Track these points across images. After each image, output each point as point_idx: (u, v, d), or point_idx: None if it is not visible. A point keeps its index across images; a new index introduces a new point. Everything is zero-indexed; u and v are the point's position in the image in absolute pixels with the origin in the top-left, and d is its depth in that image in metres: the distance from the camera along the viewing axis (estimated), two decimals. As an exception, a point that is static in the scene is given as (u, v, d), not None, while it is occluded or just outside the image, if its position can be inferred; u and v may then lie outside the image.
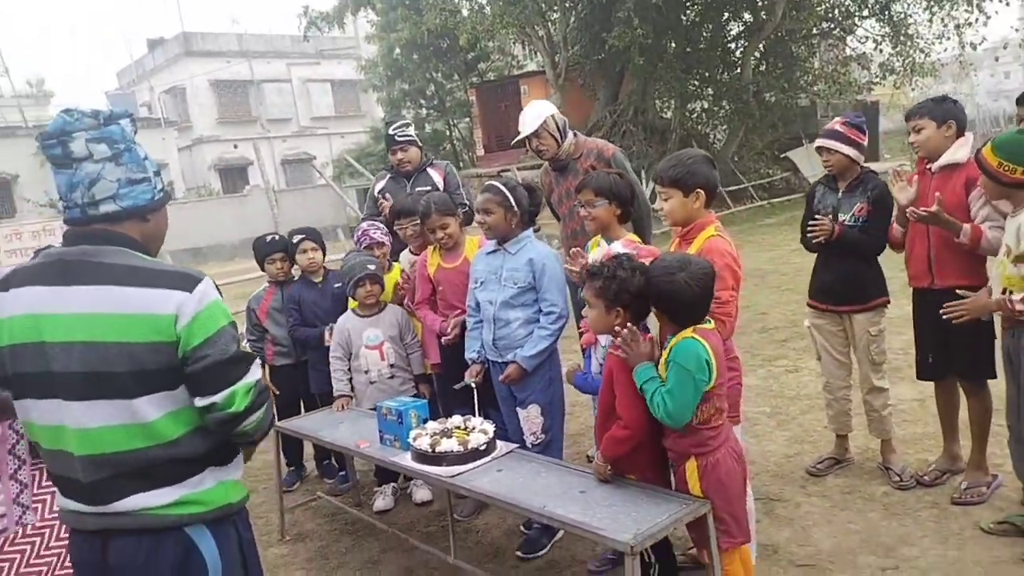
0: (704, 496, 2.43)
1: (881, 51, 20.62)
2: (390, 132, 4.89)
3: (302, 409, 4.65)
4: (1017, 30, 20.14)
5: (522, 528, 3.70)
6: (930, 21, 19.52)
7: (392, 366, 4.12)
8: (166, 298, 1.69)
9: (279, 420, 4.77)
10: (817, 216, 3.72)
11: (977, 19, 18.38)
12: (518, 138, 4.16)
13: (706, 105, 20.19)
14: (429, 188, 4.64)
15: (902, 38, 19.76)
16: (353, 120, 35.18)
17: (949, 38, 19.71)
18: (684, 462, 2.46)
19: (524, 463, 2.99)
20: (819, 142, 3.72)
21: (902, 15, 19.89)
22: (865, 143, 3.68)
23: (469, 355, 3.65)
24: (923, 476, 3.66)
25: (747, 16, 19.28)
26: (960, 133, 3.39)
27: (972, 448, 3.48)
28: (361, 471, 4.61)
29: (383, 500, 4.21)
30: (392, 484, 4.29)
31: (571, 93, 17.26)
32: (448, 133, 26.85)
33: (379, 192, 4.91)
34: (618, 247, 3.05)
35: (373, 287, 4.08)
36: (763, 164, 20.54)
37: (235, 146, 32.44)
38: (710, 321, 2.44)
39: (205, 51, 32.35)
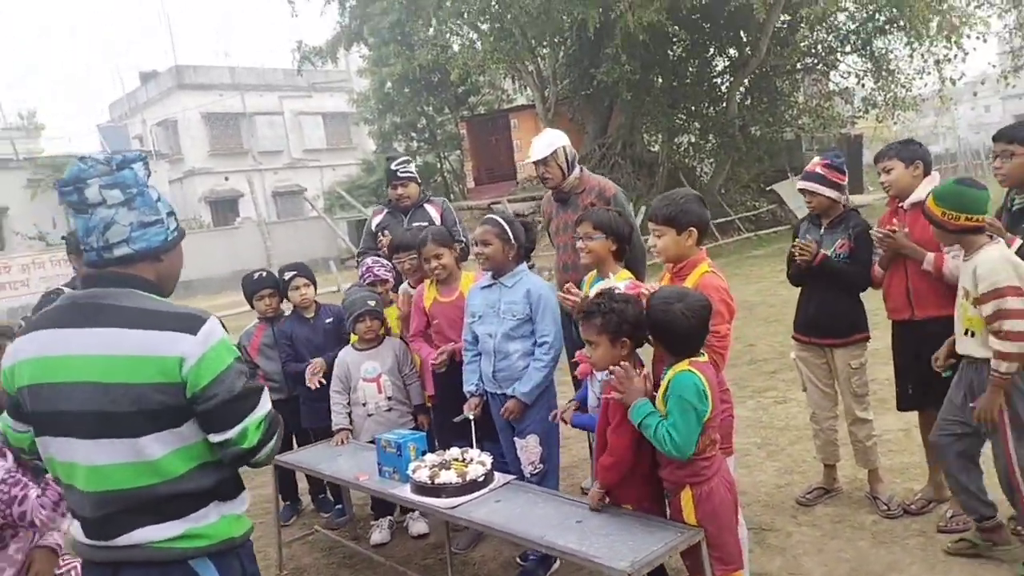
0: (698, 525, 2.50)
1: (863, 86, 21.07)
2: (392, 167, 4.99)
3: (294, 444, 4.69)
4: (995, 65, 20.65)
5: (518, 560, 3.75)
6: (911, 56, 19.98)
7: (390, 398, 4.18)
8: (171, 341, 1.76)
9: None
10: (802, 240, 3.85)
11: (956, 55, 18.81)
12: (527, 161, 4.29)
13: (693, 139, 20.52)
14: (426, 224, 4.74)
15: (883, 73, 20.20)
16: (344, 152, 35.47)
17: (929, 73, 20.17)
18: (679, 492, 2.54)
19: (521, 494, 3.06)
20: (800, 185, 3.86)
21: (883, 51, 20.35)
22: (845, 182, 3.83)
23: (468, 388, 3.73)
24: (910, 505, 3.75)
25: (732, 52, 19.69)
26: (927, 172, 3.56)
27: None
28: (357, 504, 4.65)
29: (380, 533, 4.24)
30: (389, 517, 4.33)
31: (560, 127, 17.33)
32: (439, 166, 27.13)
33: (377, 227, 5.01)
34: (614, 282, 3.15)
35: (373, 322, 4.16)
36: (749, 197, 20.84)
37: (226, 178, 32.60)
38: (703, 354, 2.54)
39: (197, 84, 32.62)
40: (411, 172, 4.98)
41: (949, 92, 20.29)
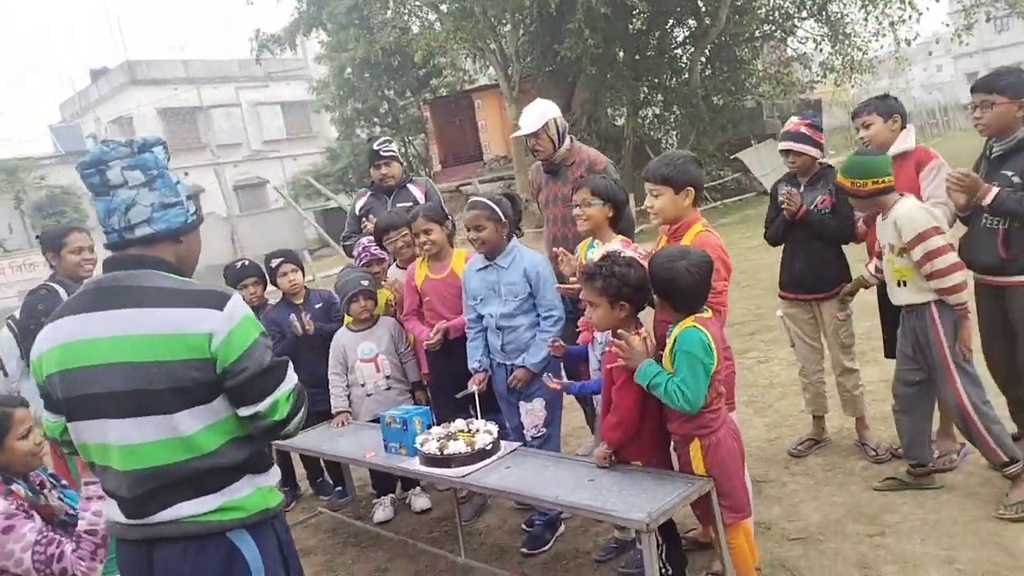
0: (708, 474, 2.60)
1: (821, 50, 21.34)
2: (374, 147, 4.97)
3: None
4: (948, 24, 21.03)
5: (524, 527, 3.83)
6: (866, 20, 20.28)
7: (388, 377, 4.23)
8: (200, 318, 1.80)
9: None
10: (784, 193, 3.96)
11: (911, 16, 19.12)
12: (517, 134, 4.26)
13: (657, 111, 20.63)
14: (410, 204, 4.76)
15: (840, 37, 20.46)
16: (305, 142, 35.04)
17: (884, 35, 20.52)
18: (688, 444, 2.63)
19: (530, 459, 3.13)
20: (785, 145, 3.94)
21: (839, 15, 20.61)
22: (824, 141, 3.94)
23: (472, 364, 3.77)
24: (897, 449, 3.89)
25: (692, 22, 19.78)
26: (903, 125, 3.67)
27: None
28: (357, 485, 4.69)
29: (383, 511, 4.30)
30: (391, 495, 4.38)
31: (525, 104, 17.46)
32: (404, 150, 26.93)
33: (361, 209, 5.00)
34: (616, 245, 3.22)
35: (367, 302, 4.19)
36: (715, 166, 21.02)
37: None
38: (707, 311, 2.62)
39: (151, 79, 31.93)
40: (393, 151, 4.97)
41: (904, 53, 20.64)
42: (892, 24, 19.96)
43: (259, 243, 23.21)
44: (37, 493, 2.50)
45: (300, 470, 4.94)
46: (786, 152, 3.95)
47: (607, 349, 2.73)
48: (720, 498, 2.60)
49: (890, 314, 3.84)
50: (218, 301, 1.83)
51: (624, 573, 3.23)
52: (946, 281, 3.15)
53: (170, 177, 1.93)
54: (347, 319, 4.33)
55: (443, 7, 16.67)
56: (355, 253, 4.59)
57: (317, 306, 4.59)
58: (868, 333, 5.40)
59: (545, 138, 4.09)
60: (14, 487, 2.39)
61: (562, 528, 3.73)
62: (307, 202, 24.75)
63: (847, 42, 20.68)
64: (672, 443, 2.75)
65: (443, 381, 4.02)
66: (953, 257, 3.17)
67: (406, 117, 26.23)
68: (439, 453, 3.14)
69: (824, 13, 20.37)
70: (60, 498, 2.61)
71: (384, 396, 4.20)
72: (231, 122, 33.82)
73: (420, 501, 4.33)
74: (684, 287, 2.54)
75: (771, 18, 20.70)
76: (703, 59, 19.89)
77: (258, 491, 1.93)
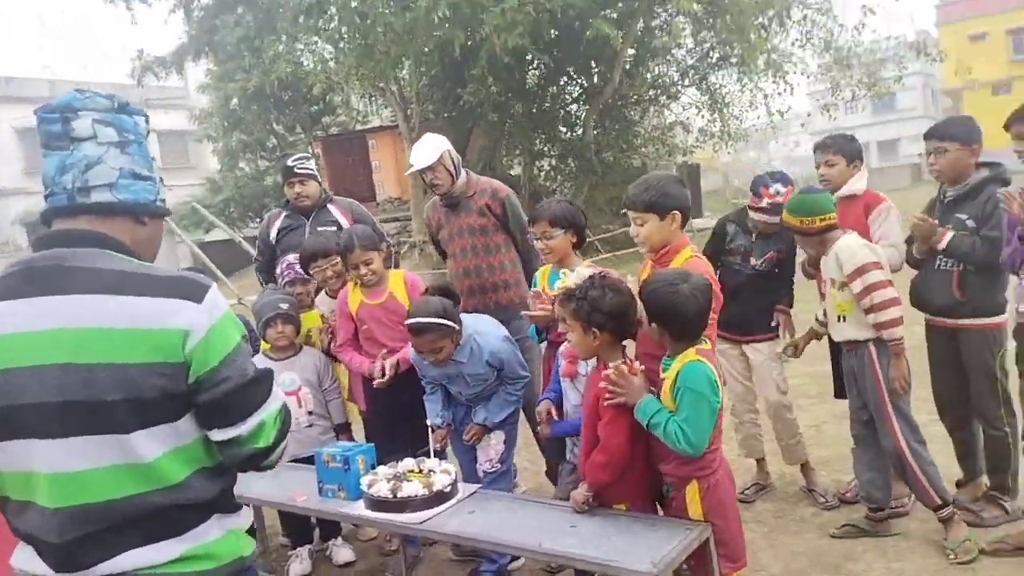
0: (705, 519, 2.38)
1: (702, 116, 22.59)
2: (288, 164, 4.53)
3: None
4: (818, 100, 22.87)
5: (467, 579, 3.48)
6: (741, 91, 21.72)
7: (311, 413, 3.79)
8: (169, 310, 1.41)
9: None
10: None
11: (784, 89, 20.59)
12: (412, 170, 4.03)
13: (553, 163, 20.99)
14: (333, 227, 4.39)
15: (719, 105, 21.72)
16: (183, 172, 33.18)
17: (757, 107, 22.04)
18: (684, 486, 2.41)
19: (494, 502, 2.82)
20: (775, 220, 3.77)
21: (717, 85, 21.94)
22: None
23: (434, 420, 3.43)
24: (844, 494, 3.85)
25: (584, 81, 20.43)
26: (859, 169, 3.69)
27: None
28: (267, 534, 4.15)
29: (300, 564, 3.81)
30: (307, 546, 3.90)
31: (424, 148, 17.30)
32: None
33: (278, 232, 4.57)
34: (584, 272, 3.00)
35: (285, 327, 3.76)
36: (605, 219, 21.56)
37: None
38: (707, 342, 2.43)
39: (11, 97, 29.52)
40: (310, 169, 4.54)
41: (778, 124, 22.17)
42: (766, 97, 21.55)
43: (126, 276, 21.56)
44: None
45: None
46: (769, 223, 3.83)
47: (603, 386, 2.45)
48: (717, 546, 2.38)
49: (839, 354, 3.83)
50: (195, 291, 1.45)
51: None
52: (883, 315, 3.16)
53: (147, 149, 1.56)
54: (264, 346, 3.88)
55: (342, 45, 16.32)
56: (279, 270, 4.15)
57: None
58: (807, 373, 5.50)
59: (442, 170, 3.92)
60: None
61: (511, 579, 3.41)
62: (185, 234, 23.23)
63: (726, 110, 22.01)
64: (664, 485, 2.51)
65: (382, 418, 3.64)
66: (892, 292, 3.19)
67: (279, 158, 25.30)
68: (392, 496, 2.76)
69: (704, 83, 21.65)
70: None
71: (305, 435, 3.74)
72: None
73: (343, 553, 3.87)
74: (688, 313, 2.34)
75: (658, 83, 21.76)
76: (595, 117, 20.53)
77: (229, 535, 1.53)
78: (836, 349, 3.80)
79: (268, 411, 1.52)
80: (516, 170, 20.41)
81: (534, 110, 19.67)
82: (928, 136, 3.42)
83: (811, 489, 3.94)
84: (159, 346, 1.38)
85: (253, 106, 22.88)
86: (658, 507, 2.61)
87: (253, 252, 5.19)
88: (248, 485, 3.35)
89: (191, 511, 1.46)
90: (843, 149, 3.65)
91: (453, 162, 3.94)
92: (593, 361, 2.72)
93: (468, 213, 3.99)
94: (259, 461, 1.54)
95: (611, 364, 2.45)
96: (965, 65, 30.07)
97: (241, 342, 1.50)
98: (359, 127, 25.29)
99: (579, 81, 20.81)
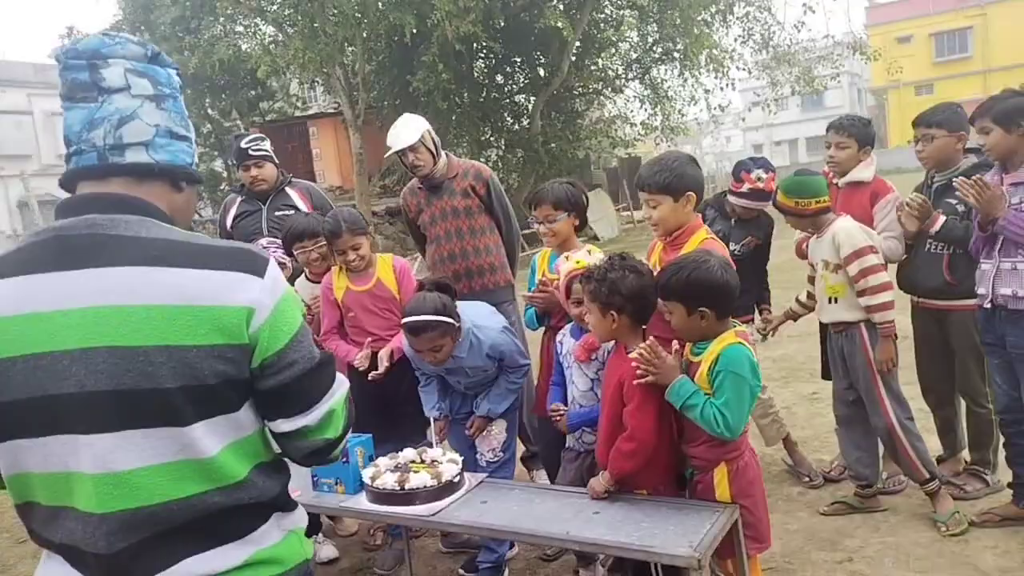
0: (732, 501, 2.35)
1: (645, 110, 22.87)
2: (242, 146, 4.30)
3: None
4: (757, 95, 23.43)
5: (461, 572, 3.38)
6: (683, 86, 22.08)
7: (294, 405, 3.62)
8: (233, 285, 1.24)
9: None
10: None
11: (726, 84, 20.99)
12: (392, 151, 3.90)
13: (500, 153, 20.92)
14: (292, 211, 4.21)
15: (662, 99, 22.02)
16: (110, 159, 31.84)
17: (698, 101, 22.44)
18: (713, 468, 2.36)
19: (505, 492, 2.73)
20: (763, 206, 3.80)
21: (659, 79, 22.24)
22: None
23: (431, 413, 3.32)
24: (829, 472, 3.91)
25: (532, 72, 20.40)
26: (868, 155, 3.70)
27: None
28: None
29: (326, 548, 3.70)
30: (318, 535, 3.73)
31: (369, 136, 16.99)
32: (226, 175, 25.18)
33: (233, 219, 4.35)
34: (583, 254, 2.93)
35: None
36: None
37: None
38: (737, 323, 2.40)
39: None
40: (265, 150, 4.31)
41: (720, 118, 22.61)
42: (706, 91, 21.96)
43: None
44: None
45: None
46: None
47: (634, 365, 2.36)
48: (744, 527, 2.35)
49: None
50: (256, 264, 1.29)
51: (600, 618, 2.89)
52: (876, 299, 3.22)
53: (183, 106, 1.39)
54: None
55: (287, 27, 15.84)
56: None
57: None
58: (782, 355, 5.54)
59: (424, 150, 3.82)
60: None
61: (507, 572, 3.33)
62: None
63: (668, 104, 22.33)
64: (687, 469, 2.47)
65: (375, 407, 3.50)
66: (886, 277, 3.25)
67: (231, 139, 24.56)
68: (399, 488, 2.64)
69: (647, 76, 21.93)
70: None
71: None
72: (21, 132, 30.01)
73: (325, 550, 3.72)
74: (733, 289, 2.30)
75: (603, 76, 21.92)
76: (542, 107, 20.55)
77: (291, 536, 1.39)
78: (824, 331, 3.84)
79: (335, 398, 1.38)
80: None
81: (481, 99, 19.55)
82: (916, 123, 3.47)
83: (796, 468, 3.98)
84: (221, 326, 1.22)
85: (187, 90, 22.06)
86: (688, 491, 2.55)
87: None
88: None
89: (252, 511, 1.32)
90: (858, 133, 3.61)
91: (434, 142, 3.83)
92: (609, 346, 2.66)
93: (451, 195, 3.89)
94: (326, 454, 1.41)
95: (638, 345, 2.39)
96: (897, 64, 31.18)
97: (304, 322, 1.36)
98: (298, 114, 24.72)
99: (525, 71, 20.79)
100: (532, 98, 20.52)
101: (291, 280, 3.96)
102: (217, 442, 1.26)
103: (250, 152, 4.24)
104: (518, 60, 19.76)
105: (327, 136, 21.31)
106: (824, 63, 23.11)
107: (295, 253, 3.80)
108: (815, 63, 22.96)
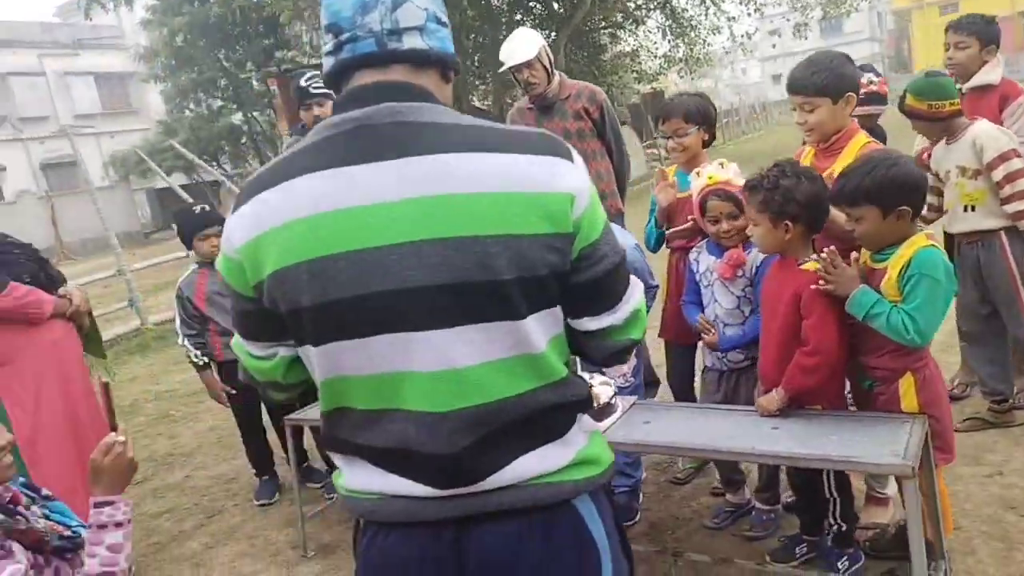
0: (920, 411, 2.27)
1: (668, 42, 22.29)
2: (302, 84, 4.17)
3: (263, 410, 3.99)
4: (774, 20, 22.73)
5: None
6: (705, 15, 21.46)
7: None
8: (556, 171, 1.17)
9: (241, 423, 4.09)
10: None
11: (753, 11, 20.37)
12: (507, 66, 3.76)
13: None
14: None
15: (685, 30, 21.44)
16: (125, 117, 31.61)
17: (721, 30, 21.82)
18: (898, 379, 2.28)
19: (663, 412, 2.67)
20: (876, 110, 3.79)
21: (682, 9, 21.63)
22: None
23: None
24: (951, 391, 3.82)
25: (555, 5, 19.88)
26: (994, 55, 3.51)
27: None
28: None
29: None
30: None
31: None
32: (246, 127, 24.91)
33: None
34: (714, 168, 2.80)
35: None
36: (577, 148, 21.33)
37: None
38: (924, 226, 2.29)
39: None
40: (326, 89, 4.21)
41: (748, 46, 22.02)
42: (730, 20, 21.34)
43: (83, 225, 20.62)
44: (11, 514, 1.72)
45: (279, 452, 4.11)
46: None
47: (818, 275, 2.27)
48: (933, 439, 2.28)
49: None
50: (565, 149, 1.22)
51: (752, 537, 2.86)
52: (1023, 203, 3.06)
53: None
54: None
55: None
56: None
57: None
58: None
59: (539, 67, 3.69)
60: None
61: (640, 496, 3.30)
62: (140, 180, 22.21)
63: (693, 33, 21.74)
64: (866, 380, 2.39)
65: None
66: None
67: (248, 91, 24.22)
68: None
69: (668, 6, 21.32)
70: (46, 516, 1.84)
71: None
72: (35, 92, 29.79)
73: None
74: (926, 186, 2.21)
75: (623, 8, 21.34)
76: (566, 43, 20.07)
77: (596, 436, 1.32)
78: (950, 241, 3.72)
79: (637, 297, 1.32)
80: (489, 101, 19.89)
81: (502, 36, 19.11)
82: (949, 28, 3.44)
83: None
84: (550, 213, 1.15)
85: (200, 42, 21.70)
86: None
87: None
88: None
89: (570, 410, 1.25)
90: (979, 31, 3.43)
91: (549, 59, 3.67)
92: (756, 261, 2.59)
93: (563, 117, 3.76)
94: (627, 355, 1.35)
95: (809, 257, 2.29)
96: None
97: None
98: (314, 62, 24.29)
99: (551, 7, 20.27)
100: (553, 34, 20.06)
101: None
102: (544, 336, 1.20)
103: (311, 90, 4.12)
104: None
105: (348, 82, 20.99)
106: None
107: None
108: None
